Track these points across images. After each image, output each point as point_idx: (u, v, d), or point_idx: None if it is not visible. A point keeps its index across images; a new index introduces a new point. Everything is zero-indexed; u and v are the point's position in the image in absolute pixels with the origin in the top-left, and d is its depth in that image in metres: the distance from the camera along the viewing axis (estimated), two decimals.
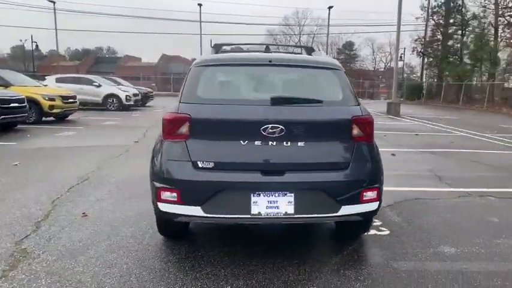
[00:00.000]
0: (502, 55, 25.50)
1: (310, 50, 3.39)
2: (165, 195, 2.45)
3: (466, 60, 27.15)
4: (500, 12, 25.58)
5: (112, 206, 3.82)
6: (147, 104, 19.92)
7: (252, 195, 2.39)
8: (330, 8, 36.11)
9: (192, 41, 65.52)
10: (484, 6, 26.78)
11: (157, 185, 2.49)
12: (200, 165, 2.42)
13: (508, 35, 24.38)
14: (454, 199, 4.32)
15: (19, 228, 3.20)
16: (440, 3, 30.06)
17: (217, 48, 3.38)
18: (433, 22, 32.56)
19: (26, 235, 3.07)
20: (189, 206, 2.41)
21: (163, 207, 2.47)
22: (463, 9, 28.83)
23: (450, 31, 29.85)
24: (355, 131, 2.52)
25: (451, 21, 29.76)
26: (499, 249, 3.01)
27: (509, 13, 25.03)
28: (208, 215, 2.39)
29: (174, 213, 2.46)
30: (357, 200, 2.49)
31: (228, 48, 3.49)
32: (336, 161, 2.50)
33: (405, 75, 51.29)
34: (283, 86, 2.75)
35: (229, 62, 2.77)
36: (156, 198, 2.49)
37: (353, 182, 2.48)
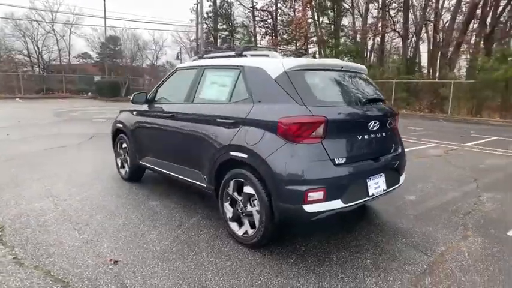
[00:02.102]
0: None
1: (302, 54, 3.90)
2: (312, 196, 2.51)
3: None
4: (260, 25, 32.14)
5: (121, 243, 3.01)
6: None
7: (367, 180, 2.84)
8: None
9: None
10: (248, 17, 32.89)
11: (303, 188, 2.49)
12: (337, 162, 2.63)
13: (266, 43, 31.18)
14: None
15: None
16: (213, 10, 34.18)
17: (246, 49, 3.40)
18: (205, 26, 36.58)
19: None
20: (332, 201, 2.59)
21: (310, 208, 2.52)
22: (232, 17, 34.10)
23: (223, 35, 34.58)
24: (397, 121, 3.39)
25: (224, 26, 34.53)
26: (425, 190, 4.65)
27: (265, 25, 31.87)
28: (346, 205, 2.66)
29: (319, 211, 2.56)
30: (403, 171, 3.39)
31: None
32: (396, 144, 3.29)
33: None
34: (357, 87, 3.20)
35: (320, 67, 2.96)
36: (303, 201, 2.49)
37: (403, 158, 3.36)
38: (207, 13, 34.85)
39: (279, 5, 30.31)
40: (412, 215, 3.72)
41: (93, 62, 50.63)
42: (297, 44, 26.59)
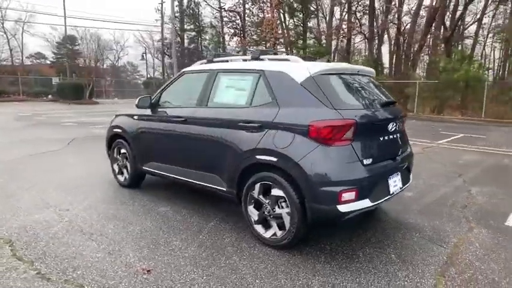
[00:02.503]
0: None
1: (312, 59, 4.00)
2: (345, 196, 2.61)
3: None
4: (228, 25, 32.09)
5: (146, 252, 2.95)
6: None
7: (388, 179, 3.00)
8: None
9: None
10: (216, 17, 32.72)
11: (337, 189, 2.59)
12: (365, 163, 2.75)
13: (235, 44, 31.20)
14: None
15: None
16: (179, 10, 33.58)
17: (262, 53, 3.45)
18: (171, 26, 35.89)
19: None
20: (362, 201, 2.71)
21: (343, 208, 2.62)
22: (199, 18, 33.73)
23: (191, 35, 34.12)
24: (405, 122, 3.59)
25: (192, 26, 34.06)
26: (419, 187, 4.91)
27: (234, 26, 31.86)
28: (373, 203, 2.79)
29: (351, 211, 2.67)
30: (411, 170, 3.59)
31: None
32: (406, 144, 3.48)
33: (129, 74, 52.99)
34: (373, 90, 3.33)
35: (340, 71, 3.08)
36: (337, 201, 2.59)
37: (412, 157, 3.56)
38: (175, 13, 34.20)
39: (247, 5, 30.47)
40: (415, 211, 3.95)
41: (48, 62, 47.94)
42: (267, 45, 26.84)
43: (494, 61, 33.95)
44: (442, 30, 19.39)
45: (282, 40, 27.44)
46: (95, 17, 74.18)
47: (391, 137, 3.10)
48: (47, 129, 10.73)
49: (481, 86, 15.54)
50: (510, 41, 20.97)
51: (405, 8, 24.00)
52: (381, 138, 2.99)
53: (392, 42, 26.39)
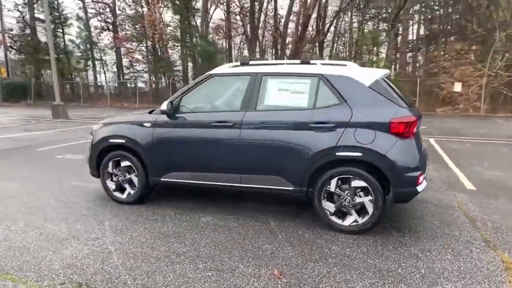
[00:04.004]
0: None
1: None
2: (421, 179, 3.23)
3: (76, 58, 28.35)
4: (99, 18, 28.72)
5: (254, 261, 2.93)
6: None
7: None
8: None
9: None
10: (80, 8, 28.84)
11: (417, 173, 3.20)
12: (422, 151, 3.40)
13: (108, 40, 28.26)
14: None
15: None
16: None
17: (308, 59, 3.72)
18: (18, 14, 30.00)
19: None
20: (425, 181, 3.37)
21: (420, 188, 3.22)
22: (58, 7, 28.99)
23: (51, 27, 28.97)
24: None
25: (50, 17, 28.94)
26: None
27: (105, 19, 28.72)
28: (426, 184, 3.48)
29: (422, 191, 3.28)
30: None
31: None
32: None
33: None
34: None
35: (385, 75, 3.59)
36: (416, 184, 3.17)
37: None
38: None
39: None
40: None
41: None
42: (148, 43, 25.49)
43: None
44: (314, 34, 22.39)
45: (166, 37, 26.44)
46: None
47: (419, 129, 3.85)
48: None
49: None
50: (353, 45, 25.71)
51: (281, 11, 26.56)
52: (419, 130, 3.70)
53: (264, 44, 28.82)
